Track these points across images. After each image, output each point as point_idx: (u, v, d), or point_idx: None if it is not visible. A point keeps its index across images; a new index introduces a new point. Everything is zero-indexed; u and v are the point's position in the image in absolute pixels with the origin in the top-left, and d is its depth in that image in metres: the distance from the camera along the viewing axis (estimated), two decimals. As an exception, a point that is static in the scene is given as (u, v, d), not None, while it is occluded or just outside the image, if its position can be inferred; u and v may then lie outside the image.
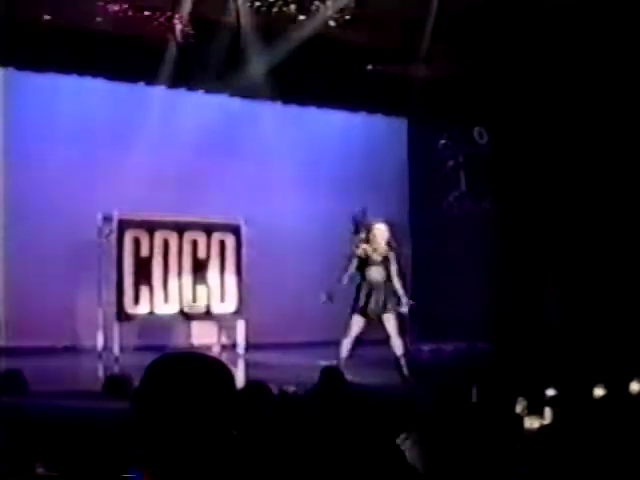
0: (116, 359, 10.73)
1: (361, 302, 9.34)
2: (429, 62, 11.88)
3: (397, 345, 9.35)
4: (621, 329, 11.27)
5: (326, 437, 3.22)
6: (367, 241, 9.41)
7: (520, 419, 4.51)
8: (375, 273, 9.34)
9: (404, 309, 9.34)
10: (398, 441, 3.13)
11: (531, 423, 4.48)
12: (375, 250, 9.39)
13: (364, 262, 9.37)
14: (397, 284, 9.31)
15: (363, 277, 9.40)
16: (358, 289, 9.41)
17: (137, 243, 11.51)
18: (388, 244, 9.44)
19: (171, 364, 1.88)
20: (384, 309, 9.31)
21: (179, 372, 1.85)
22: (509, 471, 3.16)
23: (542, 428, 4.16)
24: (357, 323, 9.43)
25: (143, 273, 11.49)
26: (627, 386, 5.75)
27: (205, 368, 1.88)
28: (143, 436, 1.80)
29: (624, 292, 11.80)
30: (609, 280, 11.89)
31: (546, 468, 3.11)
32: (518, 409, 4.97)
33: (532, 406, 4.96)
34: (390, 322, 9.32)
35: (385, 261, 9.36)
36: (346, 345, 9.50)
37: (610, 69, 11.46)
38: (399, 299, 9.33)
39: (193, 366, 1.87)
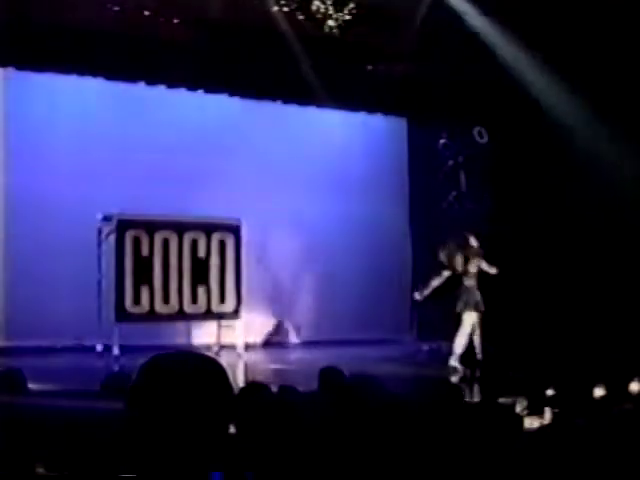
0: (116, 359, 10.73)
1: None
2: (429, 62, 11.89)
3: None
4: (621, 329, 11.27)
5: (327, 437, 3.22)
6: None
7: (520, 419, 4.51)
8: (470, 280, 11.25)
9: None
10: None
11: (531, 423, 4.48)
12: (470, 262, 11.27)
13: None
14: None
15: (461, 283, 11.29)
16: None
17: (137, 243, 11.50)
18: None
19: (163, 364, 1.88)
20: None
21: (171, 372, 1.85)
22: (509, 471, 3.16)
23: (542, 428, 4.16)
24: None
25: (143, 273, 11.48)
26: (627, 386, 5.75)
27: (197, 367, 1.88)
28: (138, 436, 1.80)
29: (624, 292, 11.80)
30: (609, 281, 11.89)
31: (546, 468, 3.11)
32: (518, 409, 4.98)
33: (532, 406, 4.96)
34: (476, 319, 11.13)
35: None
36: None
37: (610, 68, 11.45)
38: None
39: (185, 366, 1.87)
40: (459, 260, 11.32)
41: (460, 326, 11.14)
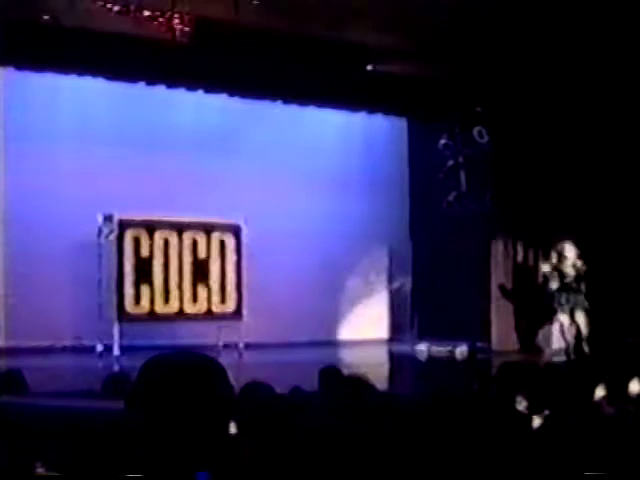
0: (116, 359, 10.73)
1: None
2: (429, 62, 11.89)
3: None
4: (621, 328, 11.26)
5: (327, 437, 3.22)
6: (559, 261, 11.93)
7: (526, 417, 4.50)
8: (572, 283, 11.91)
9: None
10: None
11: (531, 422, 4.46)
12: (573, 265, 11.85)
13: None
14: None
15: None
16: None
17: (137, 243, 11.51)
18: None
19: (163, 364, 1.88)
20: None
21: (172, 372, 1.85)
22: (510, 471, 3.16)
23: (536, 428, 4.15)
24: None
25: (143, 273, 11.49)
26: (627, 386, 5.73)
27: (197, 367, 1.88)
28: (138, 436, 1.80)
29: (624, 293, 11.80)
30: (609, 281, 11.89)
31: (541, 469, 3.10)
32: (521, 407, 4.95)
33: (533, 405, 4.94)
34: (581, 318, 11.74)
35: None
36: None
37: (610, 67, 11.45)
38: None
39: (185, 366, 1.87)
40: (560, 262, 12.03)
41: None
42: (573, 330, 11.78)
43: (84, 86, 11.76)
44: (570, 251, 11.91)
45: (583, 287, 11.76)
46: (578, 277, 11.88)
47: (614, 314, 11.80)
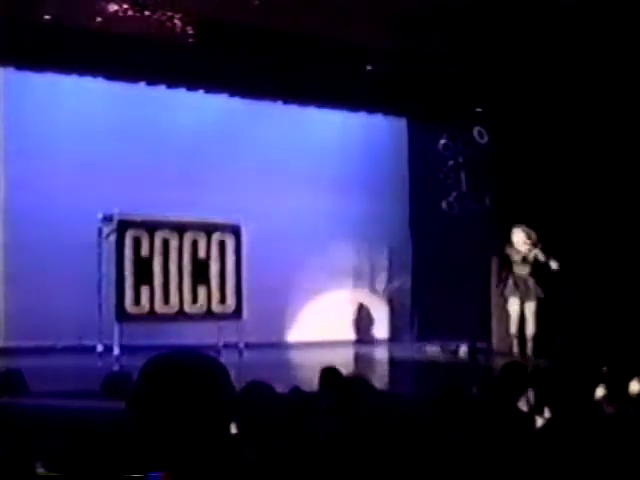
0: (116, 359, 10.72)
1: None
2: (429, 62, 11.89)
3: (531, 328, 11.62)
4: (621, 329, 11.26)
5: (328, 438, 3.22)
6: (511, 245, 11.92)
7: (528, 417, 4.50)
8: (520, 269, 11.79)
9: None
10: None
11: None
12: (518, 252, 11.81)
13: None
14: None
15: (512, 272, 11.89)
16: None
17: (137, 243, 11.49)
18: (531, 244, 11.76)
19: (164, 364, 1.88)
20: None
21: (172, 372, 1.85)
22: (512, 470, 3.16)
23: (537, 430, 4.16)
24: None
25: (143, 273, 11.47)
26: (627, 386, 5.73)
27: (198, 367, 1.88)
28: (140, 437, 1.80)
29: (624, 293, 11.80)
30: (609, 281, 11.89)
31: (541, 471, 3.10)
32: (522, 407, 4.96)
33: (535, 405, 4.95)
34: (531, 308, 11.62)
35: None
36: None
37: (611, 67, 11.45)
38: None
39: (186, 365, 1.87)
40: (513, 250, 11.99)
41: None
42: (518, 321, 11.69)
43: (84, 86, 11.75)
44: (519, 238, 11.76)
45: (533, 275, 11.64)
46: (529, 265, 11.69)
47: (608, 314, 11.77)
